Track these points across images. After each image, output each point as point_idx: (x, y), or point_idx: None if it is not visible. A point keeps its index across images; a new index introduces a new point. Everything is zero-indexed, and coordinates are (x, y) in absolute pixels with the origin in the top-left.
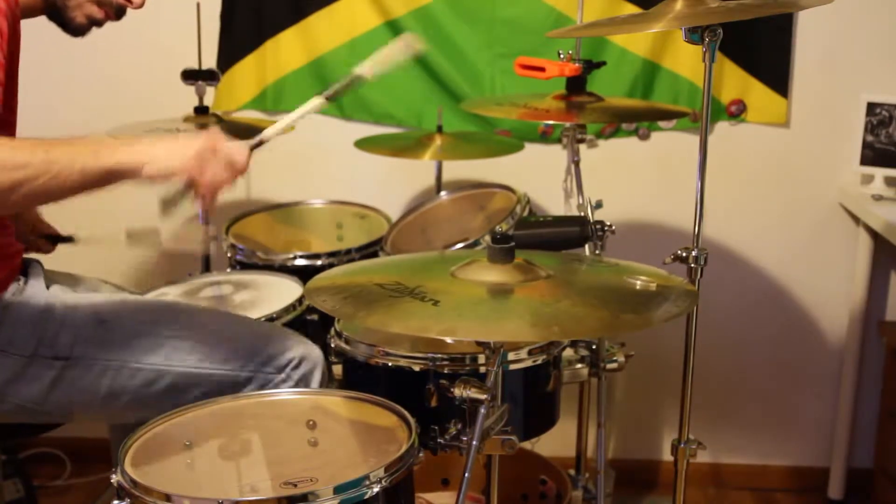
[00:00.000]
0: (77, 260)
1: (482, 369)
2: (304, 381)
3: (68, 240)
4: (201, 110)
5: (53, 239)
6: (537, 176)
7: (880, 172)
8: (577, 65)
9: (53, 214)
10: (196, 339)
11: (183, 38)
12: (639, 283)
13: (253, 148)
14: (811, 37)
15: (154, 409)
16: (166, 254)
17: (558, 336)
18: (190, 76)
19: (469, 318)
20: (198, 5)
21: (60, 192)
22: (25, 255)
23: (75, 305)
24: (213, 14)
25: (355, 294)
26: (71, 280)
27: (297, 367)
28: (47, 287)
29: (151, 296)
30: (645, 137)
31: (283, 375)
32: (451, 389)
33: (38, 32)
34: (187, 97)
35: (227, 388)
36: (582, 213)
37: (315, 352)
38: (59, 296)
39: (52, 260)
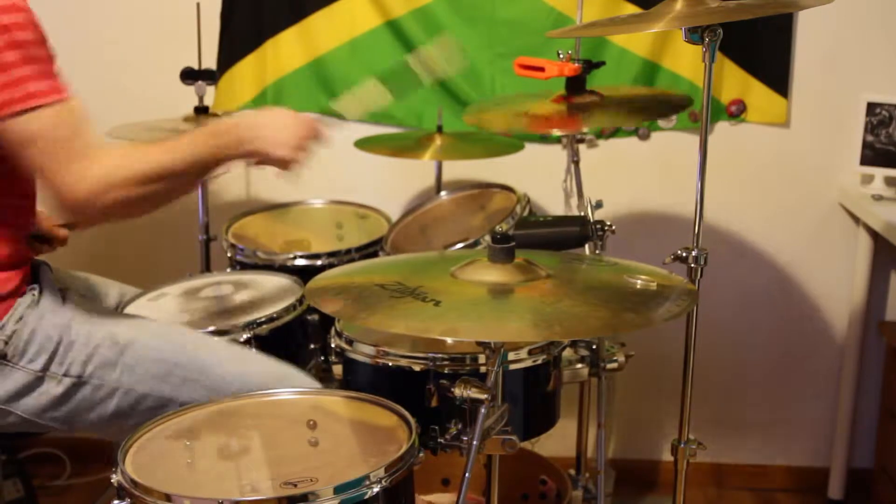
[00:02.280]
0: (76, 258)
1: (482, 369)
2: None
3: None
4: (201, 110)
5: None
6: (537, 176)
7: (880, 172)
8: (576, 65)
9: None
10: (207, 373)
11: (183, 37)
12: (639, 282)
13: None
14: (811, 37)
15: None
16: (165, 251)
17: (560, 336)
18: (189, 76)
19: (471, 319)
20: (198, 5)
21: (185, 190)
22: (34, 259)
23: (92, 324)
24: (214, 14)
25: (356, 295)
26: (79, 282)
27: None
28: (62, 294)
29: (151, 296)
30: (645, 137)
31: None
32: (452, 389)
33: None
34: (187, 97)
35: None
36: (582, 213)
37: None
38: (77, 311)
39: (52, 259)
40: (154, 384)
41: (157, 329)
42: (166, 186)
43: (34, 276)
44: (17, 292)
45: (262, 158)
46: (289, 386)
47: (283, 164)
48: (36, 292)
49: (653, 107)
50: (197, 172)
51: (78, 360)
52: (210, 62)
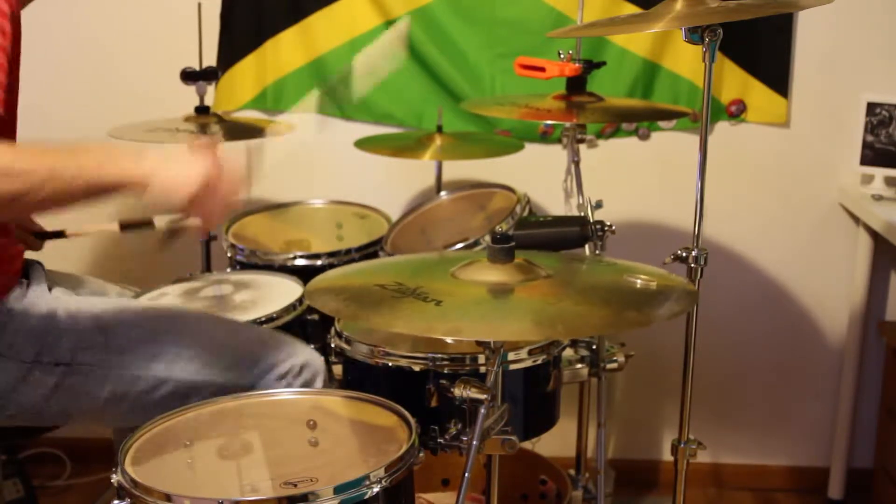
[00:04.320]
0: (76, 258)
1: (482, 369)
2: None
3: (58, 235)
4: (202, 110)
5: (41, 235)
6: (537, 176)
7: (880, 172)
8: (577, 65)
9: None
10: (198, 346)
11: (183, 37)
12: (639, 282)
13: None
14: (811, 37)
15: (154, 415)
16: (165, 251)
17: (562, 334)
18: (190, 76)
19: (473, 318)
20: (199, 5)
21: (62, 203)
22: (26, 257)
23: (77, 311)
24: (214, 14)
25: (357, 295)
26: (73, 282)
27: (298, 374)
28: (49, 290)
29: (151, 295)
30: (645, 137)
31: (284, 383)
32: (452, 389)
33: (37, 31)
34: (188, 97)
35: None
36: (582, 213)
37: (317, 359)
38: (62, 301)
39: (53, 261)
40: (145, 364)
41: (142, 309)
42: (40, 191)
43: (25, 274)
44: (6, 290)
45: (158, 193)
46: (283, 353)
47: (185, 207)
48: (24, 286)
49: (652, 113)
50: (77, 185)
51: (66, 348)
52: (210, 62)
